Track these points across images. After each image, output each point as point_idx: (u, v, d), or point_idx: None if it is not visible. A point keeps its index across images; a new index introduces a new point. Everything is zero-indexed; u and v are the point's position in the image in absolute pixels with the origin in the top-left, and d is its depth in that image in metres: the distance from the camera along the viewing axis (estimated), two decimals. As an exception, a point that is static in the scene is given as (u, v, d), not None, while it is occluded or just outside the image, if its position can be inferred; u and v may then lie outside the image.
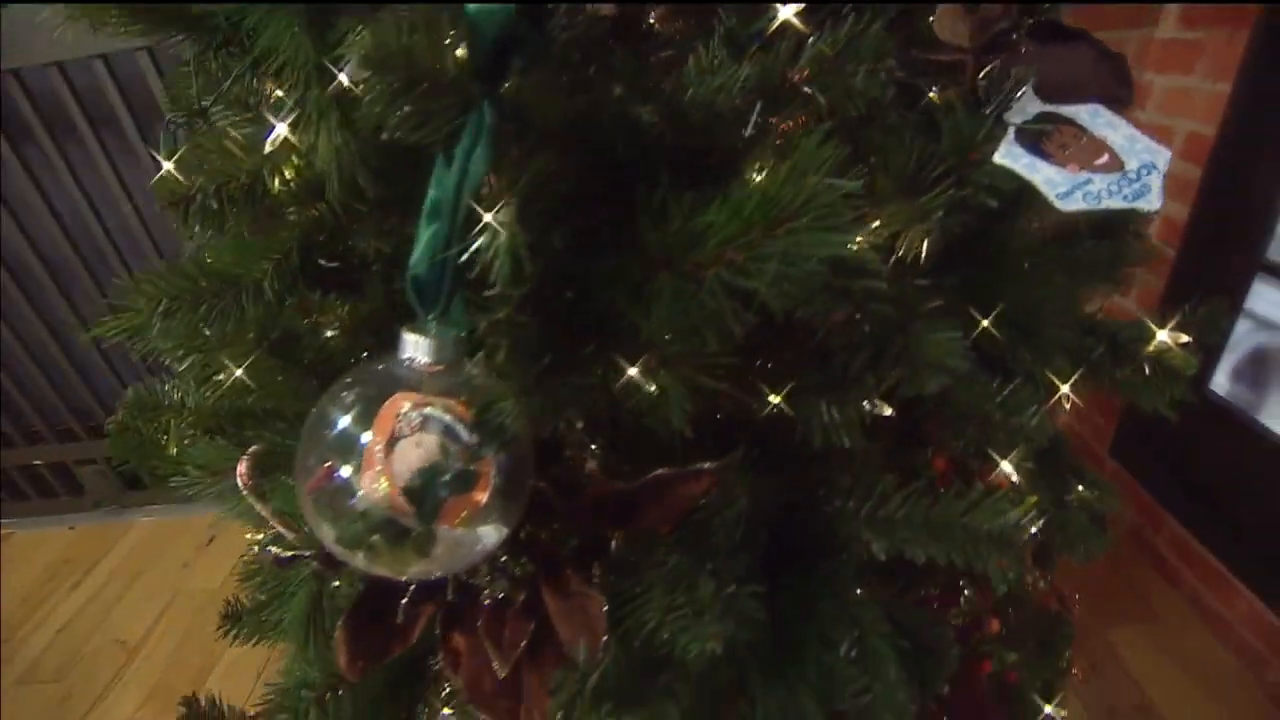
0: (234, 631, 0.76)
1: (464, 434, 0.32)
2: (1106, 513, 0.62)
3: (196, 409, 0.55)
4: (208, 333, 0.46)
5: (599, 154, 0.32)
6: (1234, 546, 1.23)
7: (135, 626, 1.68)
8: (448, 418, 0.33)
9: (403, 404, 0.33)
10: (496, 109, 0.28)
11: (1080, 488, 0.60)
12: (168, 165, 0.51)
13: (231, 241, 0.44)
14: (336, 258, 0.46)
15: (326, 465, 0.32)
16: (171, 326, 0.44)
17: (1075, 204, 0.33)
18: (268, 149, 0.42)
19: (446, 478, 0.30)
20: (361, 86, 0.38)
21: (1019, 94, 0.35)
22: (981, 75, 0.36)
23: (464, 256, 0.30)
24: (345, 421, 0.32)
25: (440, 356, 0.31)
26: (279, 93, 0.41)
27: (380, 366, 0.34)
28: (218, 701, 0.81)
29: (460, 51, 0.28)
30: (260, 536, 0.81)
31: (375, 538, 0.31)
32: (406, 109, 0.29)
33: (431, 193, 0.31)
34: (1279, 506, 1.15)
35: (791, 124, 0.38)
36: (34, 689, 1.55)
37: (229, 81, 0.50)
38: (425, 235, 0.31)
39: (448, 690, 0.63)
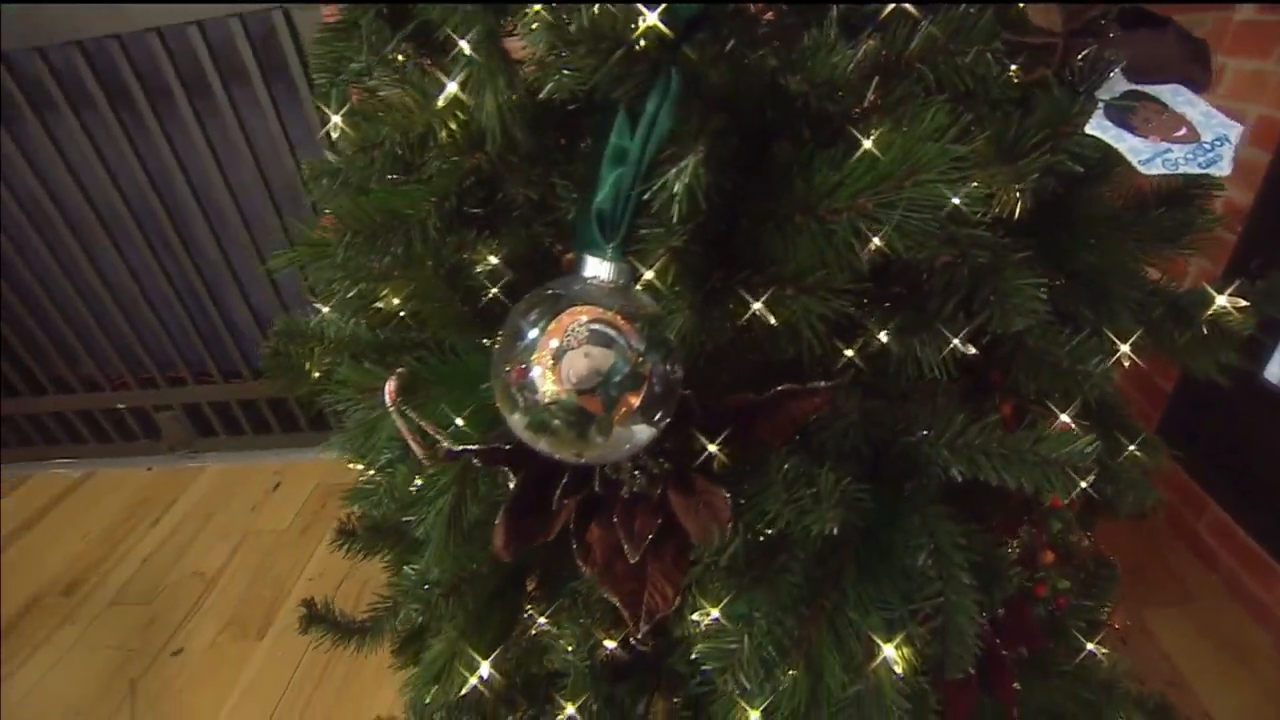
0: (348, 546, 0.85)
1: (627, 344, 0.39)
2: (1154, 470, 0.67)
3: (349, 336, 0.63)
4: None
5: (753, 114, 0.38)
6: (1276, 531, 1.25)
7: (211, 561, 1.82)
8: (612, 331, 0.40)
9: (579, 316, 0.40)
10: (681, 75, 0.34)
11: (1130, 446, 0.65)
12: (336, 119, 0.59)
13: (404, 186, 0.51)
14: (486, 203, 0.53)
15: (520, 366, 0.39)
16: (350, 257, 0.52)
17: (1155, 169, 0.38)
18: (441, 104, 0.49)
19: (618, 379, 0.37)
20: (540, 53, 0.45)
21: (1110, 74, 0.41)
22: (1079, 57, 0.41)
23: (646, 195, 0.36)
24: (531, 330, 0.39)
25: (619, 277, 0.38)
26: (464, 48, 0.47)
27: (563, 284, 0.41)
28: (330, 605, 0.91)
29: (648, 23, 0.35)
30: (359, 466, 0.90)
31: (557, 423, 0.38)
32: (602, 71, 0.36)
33: (614, 141, 0.38)
34: (1322, 493, 1.18)
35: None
36: (125, 610, 1.69)
37: (391, 45, 0.57)
38: (610, 177, 0.37)
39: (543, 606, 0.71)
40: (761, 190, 0.38)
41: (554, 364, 0.41)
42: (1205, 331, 0.53)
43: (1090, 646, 0.67)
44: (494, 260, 0.52)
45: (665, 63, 0.35)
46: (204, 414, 2.15)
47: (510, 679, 0.72)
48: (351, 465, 0.92)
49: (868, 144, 0.37)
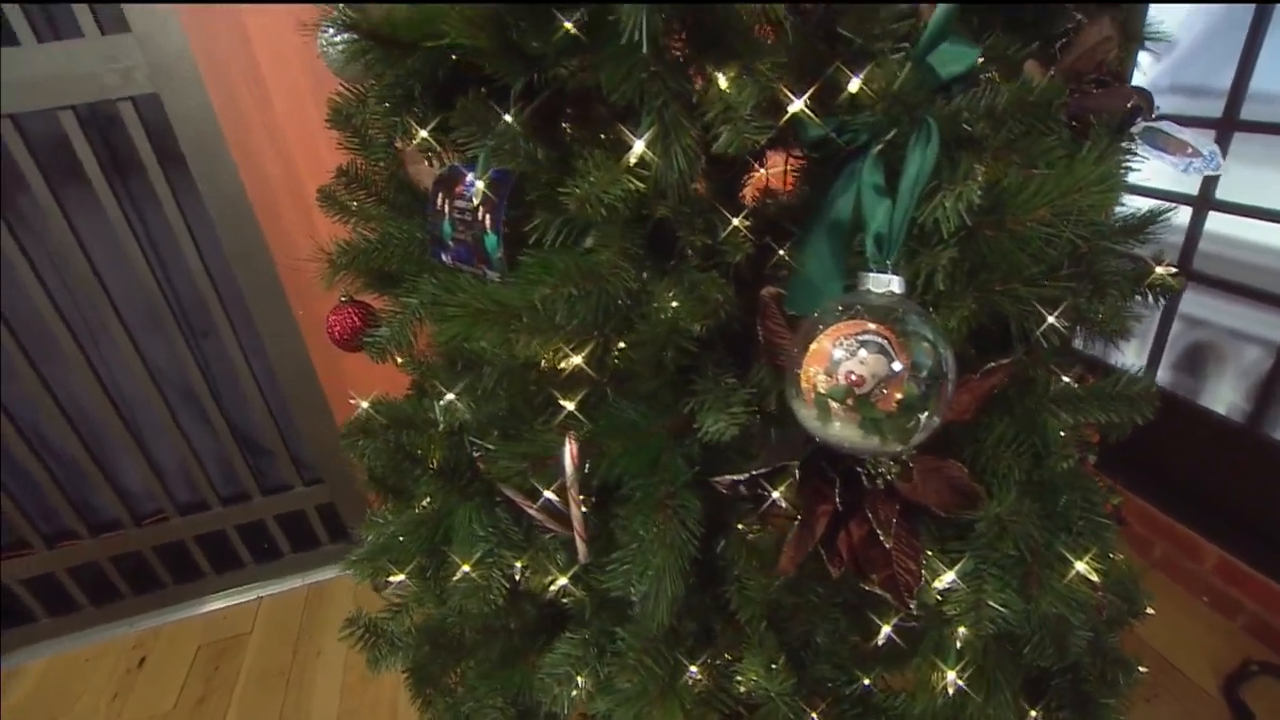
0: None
1: (893, 349, 0.46)
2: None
3: (489, 415, 0.61)
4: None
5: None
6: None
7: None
8: (882, 339, 0.46)
9: (852, 328, 0.46)
10: (938, 124, 0.44)
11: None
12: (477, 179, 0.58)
13: (591, 248, 0.53)
14: (664, 251, 0.57)
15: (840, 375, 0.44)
16: (562, 314, 0.52)
17: (1191, 175, 0.56)
18: (632, 161, 0.53)
19: (923, 375, 0.44)
20: (724, 112, 0.52)
21: (1136, 119, 0.59)
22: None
23: (916, 220, 0.44)
24: (825, 341, 0.45)
25: (899, 287, 0.45)
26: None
27: (845, 298, 0.46)
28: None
29: (903, 77, 0.44)
30: (398, 578, 0.83)
31: (883, 417, 0.43)
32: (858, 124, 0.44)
33: (868, 179, 0.45)
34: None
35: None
36: None
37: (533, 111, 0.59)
38: (880, 208, 0.45)
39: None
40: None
41: (833, 369, 0.46)
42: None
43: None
44: (674, 305, 0.56)
45: (924, 112, 0.44)
46: (12, 597, 1.68)
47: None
48: (391, 578, 0.85)
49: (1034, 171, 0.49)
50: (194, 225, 1.43)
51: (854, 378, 0.44)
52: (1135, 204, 0.65)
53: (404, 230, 0.75)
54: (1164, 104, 1.56)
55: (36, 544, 1.64)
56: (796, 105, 0.55)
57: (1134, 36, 0.74)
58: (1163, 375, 1.70)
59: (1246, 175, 1.43)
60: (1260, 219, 1.41)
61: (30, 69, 1.22)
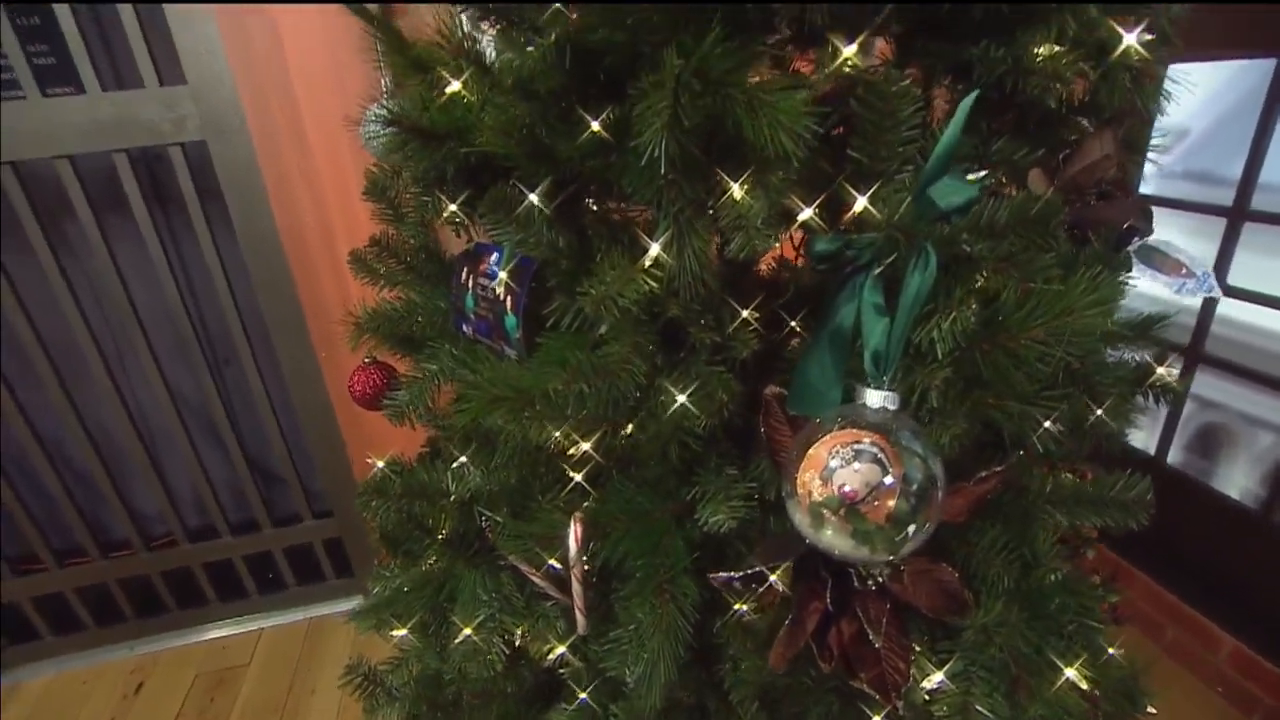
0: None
1: (889, 460, 0.48)
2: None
3: (498, 489, 0.63)
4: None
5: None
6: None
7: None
8: (877, 449, 0.48)
9: (843, 439, 0.48)
10: (936, 250, 0.46)
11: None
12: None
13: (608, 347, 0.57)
14: (675, 342, 0.60)
15: (837, 484, 0.46)
16: (573, 406, 0.55)
17: (1185, 296, 0.58)
18: (647, 263, 0.56)
19: (914, 489, 0.46)
20: (737, 220, 0.55)
21: (1132, 237, 0.61)
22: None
23: (913, 338, 0.47)
24: (821, 449, 0.47)
25: (893, 403, 0.47)
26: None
27: (841, 410, 0.49)
28: None
29: (903, 209, 0.46)
30: (400, 632, 0.85)
31: (834, 520, 0.45)
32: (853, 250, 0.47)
33: (872, 299, 0.48)
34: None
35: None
36: None
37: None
38: (879, 326, 0.47)
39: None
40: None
41: (828, 476, 0.49)
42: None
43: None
44: (680, 399, 0.58)
45: (922, 242, 0.47)
46: (21, 614, 1.71)
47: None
48: (395, 632, 0.87)
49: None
50: (226, 260, 1.49)
51: (847, 490, 0.46)
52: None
53: (428, 298, 0.78)
54: (1175, 190, 1.59)
55: (47, 560, 1.67)
56: (806, 214, 0.58)
57: (1138, 148, 0.77)
58: (1174, 455, 1.69)
59: (1258, 264, 1.45)
60: (1272, 307, 1.42)
61: (94, 114, 1.30)
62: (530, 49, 0.54)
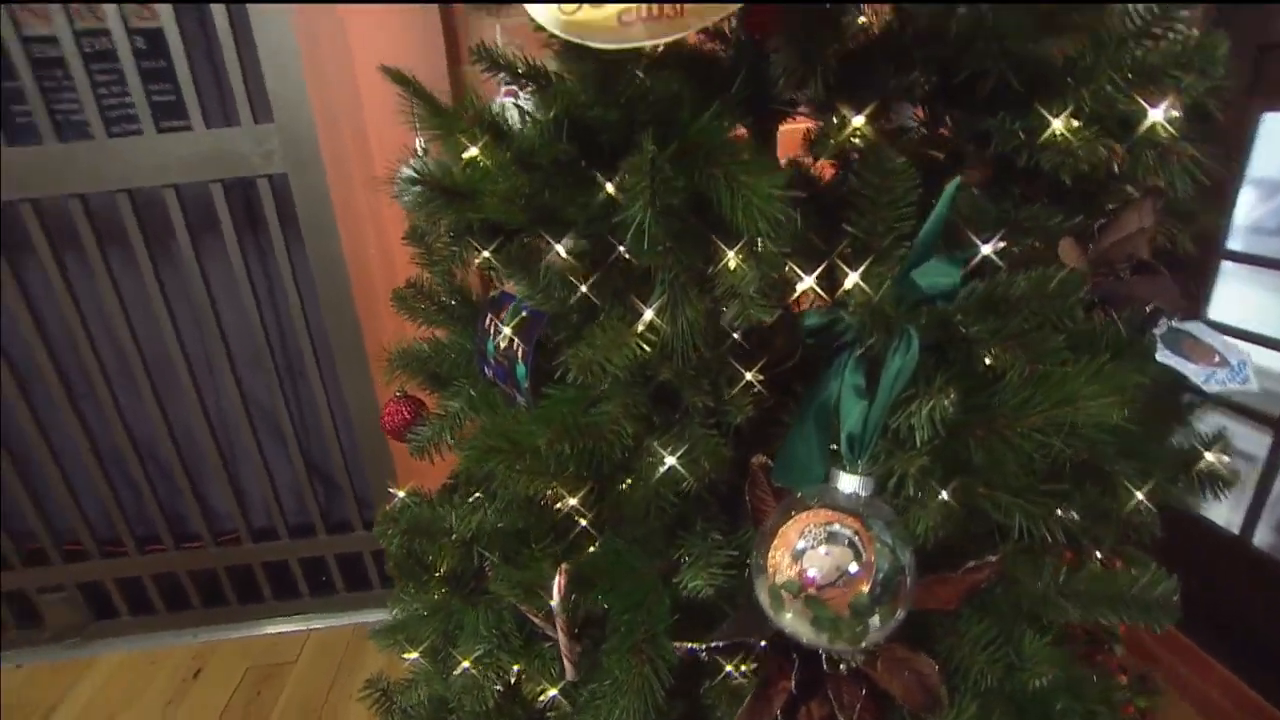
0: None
1: (861, 544, 0.47)
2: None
3: (491, 530, 0.66)
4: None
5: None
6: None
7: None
8: (848, 532, 0.48)
9: (820, 518, 0.48)
10: (919, 335, 0.46)
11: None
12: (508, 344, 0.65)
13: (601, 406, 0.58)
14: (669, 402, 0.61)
15: (800, 570, 0.46)
16: (544, 463, 0.57)
17: (1213, 388, 0.54)
18: (640, 328, 0.58)
19: (879, 579, 0.45)
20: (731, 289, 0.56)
21: (1160, 319, 0.58)
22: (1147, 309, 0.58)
23: (891, 423, 0.46)
24: (778, 526, 0.47)
25: (865, 489, 0.47)
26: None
27: (813, 493, 0.48)
28: None
29: (887, 289, 0.46)
30: (412, 655, 0.88)
31: (800, 606, 0.45)
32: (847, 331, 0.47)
33: (850, 380, 0.48)
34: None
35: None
36: None
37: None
38: (855, 409, 0.47)
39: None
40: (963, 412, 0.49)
41: (797, 557, 0.48)
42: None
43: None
44: (670, 460, 0.59)
45: (901, 326, 0.46)
46: (104, 591, 1.87)
47: None
48: (405, 655, 0.90)
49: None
50: (300, 282, 1.61)
51: (809, 576, 0.45)
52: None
53: (457, 339, 0.83)
54: (1265, 247, 1.46)
55: (129, 545, 1.82)
56: (805, 284, 0.58)
57: (1188, 219, 0.72)
58: (1261, 536, 1.54)
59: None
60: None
61: (198, 148, 1.45)
62: (528, 125, 0.57)
